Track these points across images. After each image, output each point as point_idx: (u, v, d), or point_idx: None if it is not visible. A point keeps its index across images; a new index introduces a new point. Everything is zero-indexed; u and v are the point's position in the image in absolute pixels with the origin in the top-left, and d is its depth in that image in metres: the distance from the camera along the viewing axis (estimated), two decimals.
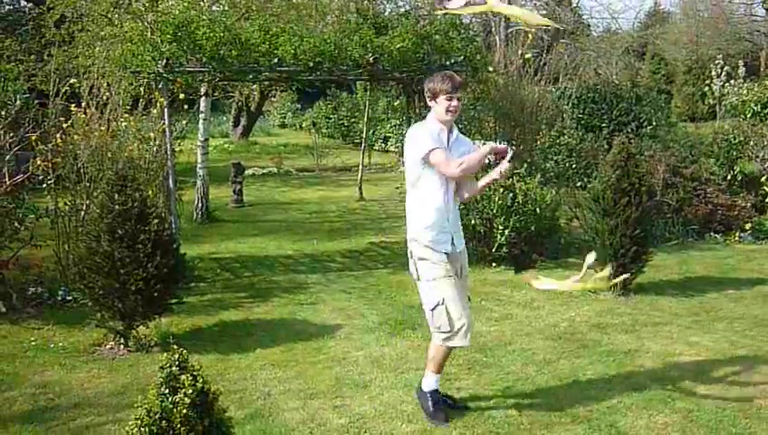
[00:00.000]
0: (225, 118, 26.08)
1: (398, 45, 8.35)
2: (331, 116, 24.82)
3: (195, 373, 3.21)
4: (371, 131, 18.15)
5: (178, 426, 3.08)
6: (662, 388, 5.28)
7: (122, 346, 6.35)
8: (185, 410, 3.09)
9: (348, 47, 8.44)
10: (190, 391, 3.13)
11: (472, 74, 9.02)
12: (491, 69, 9.89)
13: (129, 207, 6.10)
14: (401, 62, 8.48)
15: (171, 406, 3.10)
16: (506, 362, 5.90)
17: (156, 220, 6.20)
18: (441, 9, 4.61)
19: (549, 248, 9.05)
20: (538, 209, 8.64)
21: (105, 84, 8.04)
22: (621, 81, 34.53)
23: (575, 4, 35.13)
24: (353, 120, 23.15)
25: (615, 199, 7.56)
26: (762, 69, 32.35)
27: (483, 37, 31.07)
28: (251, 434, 4.72)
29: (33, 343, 6.43)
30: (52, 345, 6.40)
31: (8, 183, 7.27)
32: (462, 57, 8.67)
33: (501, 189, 8.43)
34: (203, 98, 11.63)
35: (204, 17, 8.26)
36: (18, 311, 7.19)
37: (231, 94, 21.68)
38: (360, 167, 14.82)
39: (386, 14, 9.61)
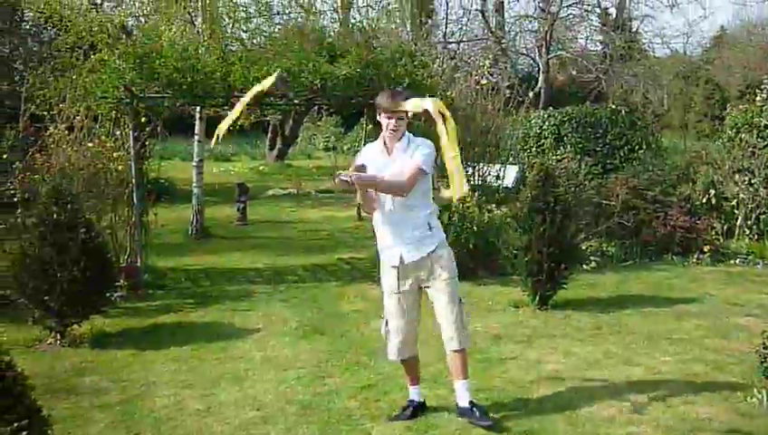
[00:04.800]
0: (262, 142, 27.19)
1: (344, 72, 8.96)
2: (368, 140, 25.51)
3: None
4: None
5: None
6: (503, 390, 5.69)
7: (58, 342, 7.11)
8: None
9: (301, 74, 9.10)
10: None
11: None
12: (452, 94, 10.39)
13: (62, 218, 6.90)
14: (347, 87, 9.08)
15: None
16: (383, 364, 6.34)
17: (83, 229, 6.95)
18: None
19: (488, 264, 9.46)
20: (476, 228, 9.08)
21: (77, 109, 8.86)
22: (670, 106, 34.38)
23: (635, 30, 35.21)
24: None
25: (531, 217, 7.96)
26: None
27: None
28: (117, 414, 5.37)
29: None
30: None
31: None
32: (407, 82, 9.20)
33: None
34: (197, 121, 12.47)
35: (170, 47, 9.06)
36: None
37: (266, 118, 22.69)
38: None
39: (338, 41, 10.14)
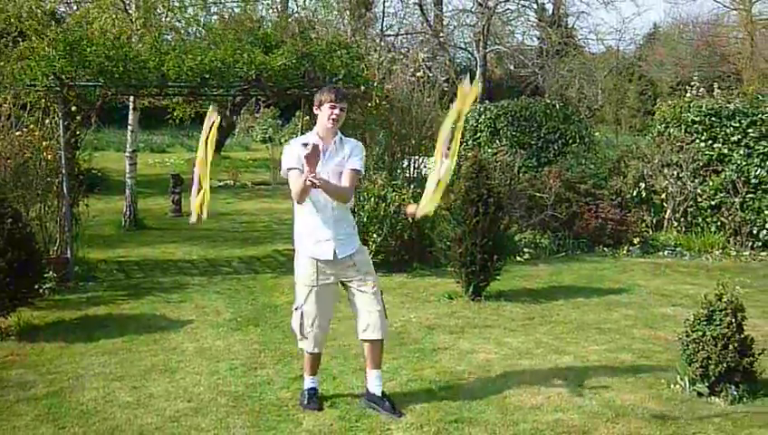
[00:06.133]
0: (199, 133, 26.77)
1: (280, 63, 8.91)
2: (305, 132, 25.40)
3: None
4: None
5: None
6: (435, 380, 5.75)
7: None
8: None
9: (236, 65, 9.01)
10: None
11: (357, 89, 9.53)
12: (389, 86, 10.43)
13: None
14: (283, 78, 9.04)
15: None
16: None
17: (9, 219, 6.78)
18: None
19: (423, 256, 9.54)
20: (410, 219, 9.14)
21: (4, 97, 8.62)
22: (604, 101, 35.06)
23: (570, 26, 35.76)
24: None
25: (464, 209, 8.05)
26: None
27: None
28: (43, 407, 5.25)
29: None
30: None
31: None
32: (343, 74, 9.20)
33: (372, 199, 8.95)
34: (131, 111, 12.25)
35: (101, 34, 8.88)
36: None
37: (204, 110, 22.36)
38: None
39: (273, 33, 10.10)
